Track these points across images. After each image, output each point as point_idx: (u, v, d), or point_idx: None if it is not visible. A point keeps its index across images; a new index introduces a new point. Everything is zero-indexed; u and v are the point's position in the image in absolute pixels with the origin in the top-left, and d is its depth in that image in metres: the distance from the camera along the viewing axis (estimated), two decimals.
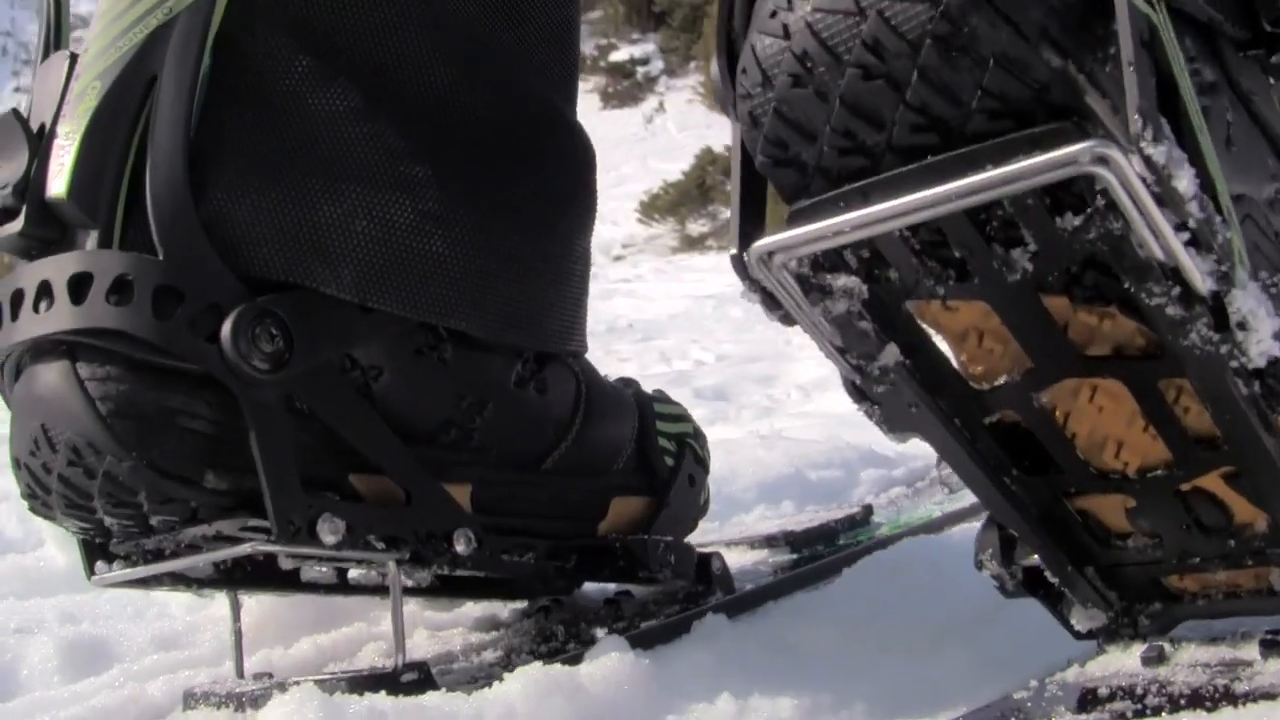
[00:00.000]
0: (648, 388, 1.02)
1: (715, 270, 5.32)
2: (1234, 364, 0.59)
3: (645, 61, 9.81)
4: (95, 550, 0.83)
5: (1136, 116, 0.52)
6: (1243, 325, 0.57)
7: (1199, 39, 0.62)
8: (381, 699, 0.78)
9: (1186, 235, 0.55)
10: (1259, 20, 0.65)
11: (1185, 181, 0.53)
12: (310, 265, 0.75)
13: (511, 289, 0.84)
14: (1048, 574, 0.77)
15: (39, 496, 0.77)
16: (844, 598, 0.96)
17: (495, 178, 0.84)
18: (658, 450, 0.95)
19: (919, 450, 0.90)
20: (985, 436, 0.70)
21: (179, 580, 0.85)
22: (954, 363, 0.69)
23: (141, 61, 0.72)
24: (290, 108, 0.77)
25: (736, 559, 1.11)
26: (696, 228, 6.92)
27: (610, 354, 3.14)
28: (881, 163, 0.58)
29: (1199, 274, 0.55)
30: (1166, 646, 0.74)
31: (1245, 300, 0.57)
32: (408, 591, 0.90)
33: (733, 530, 1.28)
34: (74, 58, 0.75)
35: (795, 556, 1.10)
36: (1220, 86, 0.63)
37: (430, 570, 0.82)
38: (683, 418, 1.01)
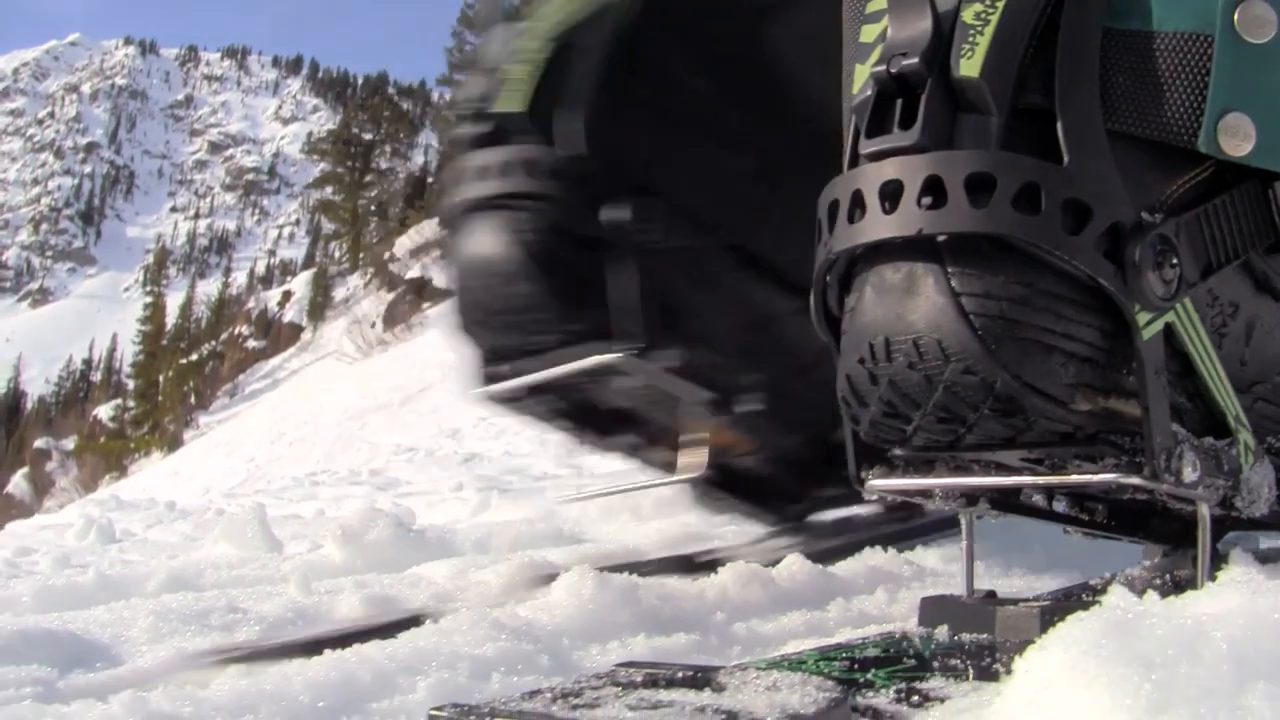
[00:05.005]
0: None
1: None
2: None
3: None
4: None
5: (1161, 456, 0.69)
6: (1246, 504, 0.76)
7: (1220, 277, 0.74)
8: (635, 578, 1.17)
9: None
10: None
11: (1190, 472, 0.71)
12: None
13: None
14: None
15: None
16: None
17: None
18: None
19: None
20: None
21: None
22: None
23: None
24: None
25: None
26: None
27: None
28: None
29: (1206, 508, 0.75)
30: None
31: (1250, 487, 0.76)
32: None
33: None
34: None
35: None
36: (1242, 305, 0.76)
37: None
38: None
